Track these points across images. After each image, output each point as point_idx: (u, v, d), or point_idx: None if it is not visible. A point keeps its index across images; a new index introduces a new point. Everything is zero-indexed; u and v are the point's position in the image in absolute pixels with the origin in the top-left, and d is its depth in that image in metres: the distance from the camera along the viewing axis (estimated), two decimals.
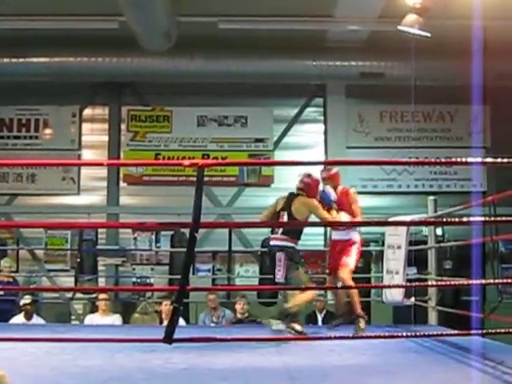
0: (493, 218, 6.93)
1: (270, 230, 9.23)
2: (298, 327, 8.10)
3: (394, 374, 5.92)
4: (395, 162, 14.50)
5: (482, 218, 6.67)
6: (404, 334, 6.73)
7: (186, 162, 4.79)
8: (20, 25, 13.14)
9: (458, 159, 12.18)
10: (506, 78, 13.06)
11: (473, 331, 7.30)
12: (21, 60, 14.09)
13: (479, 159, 11.46)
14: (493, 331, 6.02)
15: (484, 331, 7.05)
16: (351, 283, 8.65)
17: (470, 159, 5.90)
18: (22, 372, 5.68)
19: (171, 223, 6.11)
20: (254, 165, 15.72)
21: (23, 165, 14.36)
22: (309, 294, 8.58)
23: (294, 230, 8.47)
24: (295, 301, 8.33)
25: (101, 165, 16.38)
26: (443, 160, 13.61)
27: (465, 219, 6.19)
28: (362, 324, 8.63)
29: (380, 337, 6.46)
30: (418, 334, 7.24)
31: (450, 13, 11.46)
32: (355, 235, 9.04)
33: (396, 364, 6.44)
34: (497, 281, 8.14)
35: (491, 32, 10.15)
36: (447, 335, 7.44)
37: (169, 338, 4.95)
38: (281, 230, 8.54)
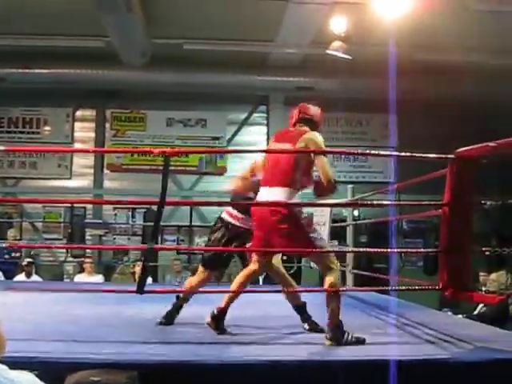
0: (396, 202, 7.00)
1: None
2: None
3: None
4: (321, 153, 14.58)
5: (388, 202, 6.73)
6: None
7: (156, 151, 4.75)
8: (28, 42, 12.94)
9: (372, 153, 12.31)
10: (409, 93, 13.14)
11: (379, 288, 7.34)
12: (26, 71, 13.80)
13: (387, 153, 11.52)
14: (396, 289, 6.06)
15: (389, 289, 7.10)
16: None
17: (382, 152, 5.94)
18: (23, 319, 5.59)
19: (143, 201, 6.06)
20: (209, 153, 15.70)
21: (27, 150, 15.24)
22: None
23: None
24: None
25: (87, 151, 16.98)
26: (359, 151, 13.72)
27: (375, 202, 6.23)
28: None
29: (307, 291, 6.46)
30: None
31: (368, 40, 11.54)
32: None
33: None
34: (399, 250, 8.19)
35: (399, 56, 10.18)
36: (360, 290, 7.45)
37: (140, 290, 4.92)
38: None
